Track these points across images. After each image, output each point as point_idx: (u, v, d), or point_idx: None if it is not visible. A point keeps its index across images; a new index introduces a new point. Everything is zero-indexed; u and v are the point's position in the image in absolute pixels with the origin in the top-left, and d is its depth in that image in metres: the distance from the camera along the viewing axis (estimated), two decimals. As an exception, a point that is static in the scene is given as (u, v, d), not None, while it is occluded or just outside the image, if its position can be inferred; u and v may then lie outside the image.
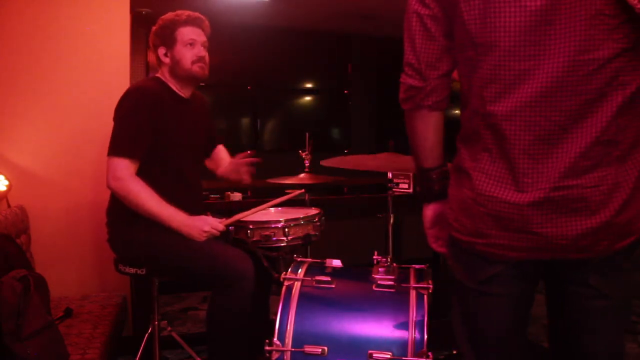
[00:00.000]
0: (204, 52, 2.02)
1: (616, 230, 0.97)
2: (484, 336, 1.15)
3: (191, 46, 1.99)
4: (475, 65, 1.02)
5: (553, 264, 1.07)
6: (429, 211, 1.26)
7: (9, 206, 2.44)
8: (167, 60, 2.02)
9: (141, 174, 1.91)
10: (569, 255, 1.01)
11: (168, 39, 2.00)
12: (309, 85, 5.62)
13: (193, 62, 1.99)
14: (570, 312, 1.11)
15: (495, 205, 1.01)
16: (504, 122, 0.99)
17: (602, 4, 0.90)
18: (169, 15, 2.02)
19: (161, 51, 2.02)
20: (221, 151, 2.34)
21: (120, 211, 1.96)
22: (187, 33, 1.99)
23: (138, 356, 2.12)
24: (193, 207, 1.96)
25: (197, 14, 2.03)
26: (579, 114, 0.95)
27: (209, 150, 2.31)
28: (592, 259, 1.02)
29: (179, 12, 2.02)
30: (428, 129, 1.18)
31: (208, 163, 2.33)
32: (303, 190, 2.26)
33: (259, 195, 2.60)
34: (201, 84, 2.11)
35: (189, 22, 2.00)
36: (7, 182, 2.44)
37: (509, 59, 0.97)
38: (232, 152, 2.35)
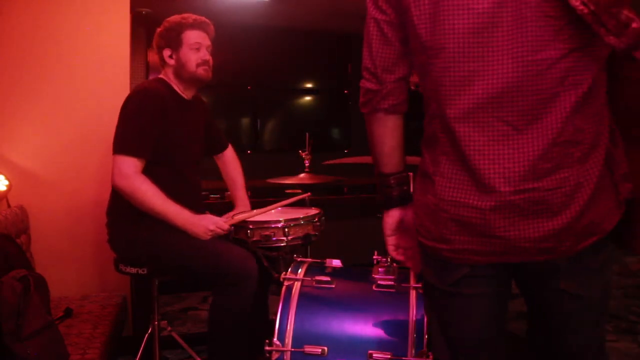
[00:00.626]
0: (208, 56, 2.05)
1: (578, 231, 0.97)
2: (459, 337, 1.14)
3: (197, 50, 2.02)
4: (427, 69, 1.03)
5: (521, 268, 1.06)
6: (389, 218, 1.25)
7: (9, 206, 2.44)
8: (172, 62, 2.03)
9: (144, 173, 1.91)
10: (532, 258, 1.00)
11: (174, 41, 2.01)
12: (309, 85, 5.61)
13: (198, 65, 2.02)
14: (544, 314, 1.11)
15: (458, 210, 1.01)
16: (457, 124, 1.00)
17: (547, 6, 0.91)
18: (176, 17, 2.04)
19: (166, 53, 2.03)
20: (229, 161, 2.36)
21: (122, 211, 1.97)
22: (193, 37, 2.01)
23: (138, 356, 2.12)
24: (193, 207, 1.96)
25: (203, 18, 2.06)
26: (532, 115, 0.95)
27: (214, 151, 2.33)
28: (559, 263, 1.01)
29: (185, 15, 2.04)
30: (385, 132, 1.18)
31: (217, 162, 2.37)
32: (308, 194, 2.27)
33: (259, 195, 2.60)
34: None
35: (196, 25, 2.03)
36: (7, 182, 2.44)
37: (457, 61, 0.98)
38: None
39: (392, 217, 1.25)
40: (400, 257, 1.26)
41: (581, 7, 0.86)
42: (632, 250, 1.09)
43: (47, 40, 2.55)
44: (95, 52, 2.61)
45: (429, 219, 1.07)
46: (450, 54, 0.98)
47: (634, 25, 0.84)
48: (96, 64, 2.61)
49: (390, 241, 1.27)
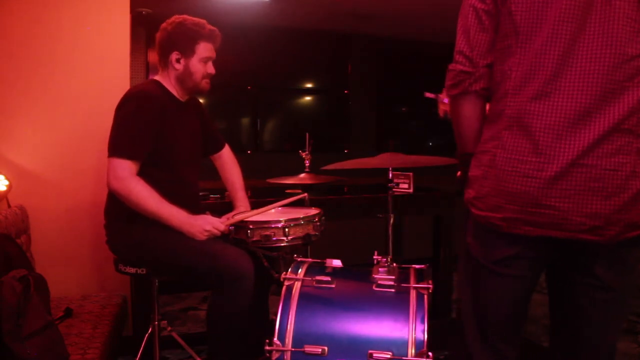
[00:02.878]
0: (213, 69, 2.07)
1: (628, 218, 1.03)
2: (489, 312, 1.21)
3: (205, 63, 2.04)
4: (514, 51, 1.12)
5: (563, 248, 1.11)
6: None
7: (9, 206, 2.44)
8: (179, 67, 2.03)
9: (139, 174, 1.91)
10: (581, 236, 1.05)
11: (187, 47, 2.01)
12: (309, 85, 5.62)
13: (203, 77, 2.04)
14: (574, 302, 1.16)
15: (517, 179, 1.07)
16: (532, 102, 1.08)
17: (630, 10, 1.02)
18: (191, 22, 2.01)
19: (175, 56, 2.02)
20: (226, 163, 2.36)
21: (119, 212, 1.97)
22: (207, 50, 2.03)
23: (138, 356, 2.12)
24: (190, 208, 1.96)
25: (216, 30, 2.06)
26: (603, 101, 1.03)
27: (210, 151, 2.33)
28: (600, 248, 1.06)
29: (200, 21, 2.03)
30: (475, 114, 1.25)
31: (215, 164, 2.37)
32: (305, 195, 2.27)
33: (259, 195, 2.60)
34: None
35: (211, 38, 2.05)
36: (7, 182, 2.44)
37: (547, 46, 1.07)
38: (233, 152, 2.36)
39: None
40: None
41: None
42: None
43: (47, 41, 2.55)
44: (95, 52, 2.61)
45: (486, 190, 1.14)
46: (541, 40, 1.07)
47: None
48: (96, 64, 2.61)
49: None
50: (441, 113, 1.79)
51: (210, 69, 2.06)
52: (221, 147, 2.35)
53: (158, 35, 2.04)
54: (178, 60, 2.02)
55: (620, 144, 1.03)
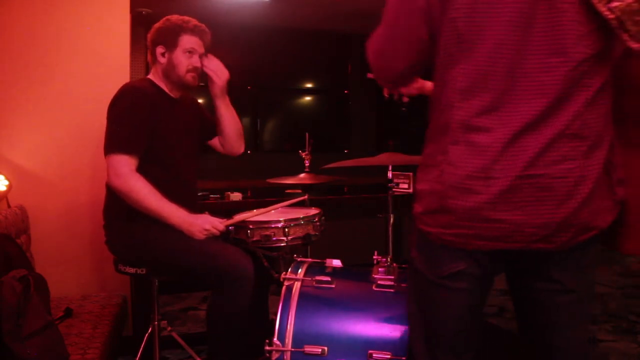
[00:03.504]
0: (199, 63, 2.06)
1: (579, 223, 1.02)
2: (437, 327, 1.18)
3: (190, 54, 2.03)
4: (458, 60, 1.07)
5: (516, 259, 1.10)
6: None
7: (9, 206, 2.44)
8: (163, 60, 2.04)
9: (138, 172, 1.91)
10: (533, 245, 1.04)
11: (170, 41, 2.02)
12: (309, 85, 5.62)
13: (187, 71, 2.03)
14: (537, 308, 1.15)
15: (464, 196, 1.05)
16: (477, 115, 1.04)
17: (575, 13, 0.98)
18: (177, 18, 2.04)
19: (159, 50, 2.04)
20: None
21: (118, 212, 1.97)
22: (189, 41, 2.02)
23: (138, 356, 2.12)
24: (188, 205, 1.96)
25: (203, 26, 2.07)
26: (548, 111, 1.00)
27: (212, 135, 2.30)
28: (554, 253, 1.06)
29: (186, 18, 2.05)
30: None
31: (219, 145, 2.31)
32: (306, 197, 2.27)
33: (259, 195, 2.60)
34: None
35: (195, 31, 2.04)
36: (7, 182, 2.44)
37: (489, 56, 1.03)
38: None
39: None
40: None
41: (607, 13, 0.94)
42: (619, 250, 1.14)
43: (47, 41, 2.55)
44: (95, 52, 2.61)
45: (434, 206, 1.10)
46: (485, 49, 1.03)
47: None
48: (96, 64, 2.61)
49: None
50: (386, 93, 1.75)
51: (196, 62, 2.04)
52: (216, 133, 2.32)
53: (149, 34, 2.07)
54: (163, 54, 2.04)
55: (566, 150, 1.00)
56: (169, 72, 2.04)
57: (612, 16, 0.94)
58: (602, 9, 0.95)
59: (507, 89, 1.02)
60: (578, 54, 0.99)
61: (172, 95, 2.08)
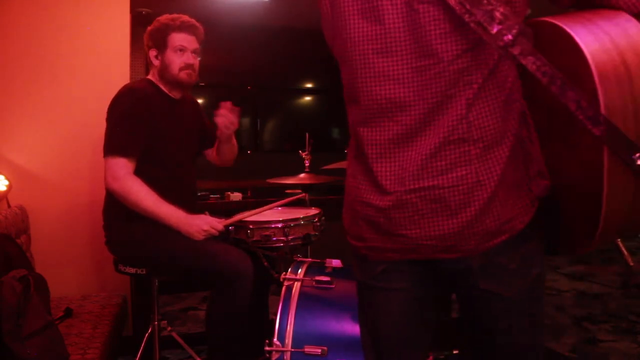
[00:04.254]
0: (192, 60, 2.04)
1: (482, 229, 0.96)
2: (381, 334, 1.15)
3: (181, 52, 2.02)
4: (341, 72, 1.06)
5: (439, 267, 1.05)
6: None
7: (9, 206, 2.44)
8: (157, 62, 2.05)
9: (136, 173, 1.91)
10: (440, 255, 1.00)
11: (160, 42, 2.02)
12: (309, 85, 5.62)
13: (181, 69, 2.02)
14: (472, 315, 1.11)
15: (365, 209, 1.03)
16: (360, 127, 1.03)
17: (434, 10, 0.92)
18: (165, 18, 2.04)
19: (152, 53, 2.05)
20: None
21: (117, 212, 1.97)
22: (178, 39, 2.01)
23: (138, 356, 2.12)
24: (187, 206, 1.96)
25: (192, 21, 2.05)
26: (428, 117, 0.96)
27: (208, 146, 2.32)
28: (472, 263, 1.00)
29: (174, 16, 2.04)
30: None
31: (212, 158, 2.35)
32: (305, 195, 2.27)
33: (259, 195, 2.60)
34: (193, 86, 2.13)
35: (183, 28, 2.03)
36: (7, 182, 2.44)
37: (357, 67, 1.00)
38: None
39: None
40: None
41: (458, 7, 0.88)
42: (563, 253, 1.08)
43: (47, 41, 2.55)
44: (95, 52, 2.61)
45: (348, 218, 1.10)
46: (351, 58, 1.00)
47: (509, 22, 0.85)
48: (96, 64, 2.61)
49: None
50: None
51: (188, 59, 2.03)
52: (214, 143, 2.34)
53: (144, 38, 2.08)
54: (156, 57, 2.05)
55: (454, 157, 0.94)
56: (163, 72, 2.04)
57: (462, 10, 0.88)
58: (451, 2, 0.88)
59: (379, 100, 0.98)
60: (446, 53, 0.92)
61: (172, 95, 2.08)
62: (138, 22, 2.65)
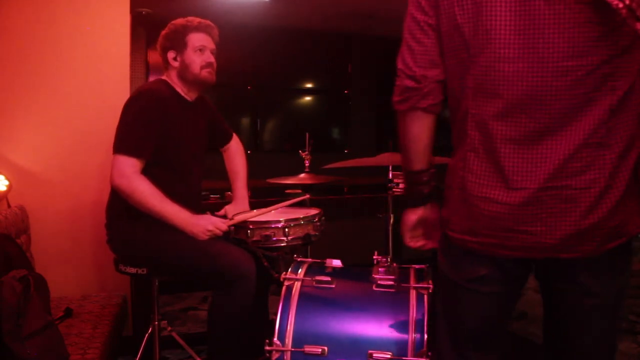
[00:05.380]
0: (212, 59, 2.06)
1: (605, 233, 0.99)
2: (464, 331, 1.17)
3: (201, 52, 2.03)
4: (468, 66, 1.05)
5: (543, 262, 1.08)
6: (413, 215, 1.27)
7: (9, 206, 2.44)
8: (176, 64, 2.04)
9: (143, 173, 1.91)
10: (557, 255, 1.02)
11: (179, 43, 2.02)
12: (309, 85, 5.62)
13: (202, 68, 2.03)
14: (560, 310, 1.13)
15: (487, 205, 1.03)
16: (493, 122, 1.02)
17: (590, 12, 0.92)
18: (181, 20, 2.05)
19: (171, 55, 2.04)
20: (232, 154, 2.37)
21: (120, 211, 1.97)
22: (198, 39, 2.03)
23: (138, 356, 2.12)
24: (192, 207, 1.96)
25: (208, 22, 2.07)
26: (567, 117, 0.97)
27: (219, 144, 2.35)
28: (582, 260, 1.03)
29: (190, 18, 2.06)
30: (422, 131, 1.19)
31: (223, 155, 2.39)
32: (307, 196, 2.27)
33: (259, 195, 2.60)
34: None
35: (200, 28, 2.04)
36: (7, 182, 2.44)
37: (499, 60, 1.00)
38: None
39: (416, 214, 1.27)
40: (418, 244, 1.32)
41: (616, 2, 0.87)
42: None
43: (47, 41, 2.55)
44: (95, 52, 2.61)
45: (459, 212, 1.10)
46: (493, 53, 1.00)
47: None
48: (96, 64, 2.61)
49: (409, 235, 1.31)
50: None
51: (209, 57, 2.04)
52: (228, 140, 2.36)
53: (157, 43, 2.08)
54: (175, 58, 2.04)
55: (590, 160, 0.96)
56: (184, 73, 2.04)
57: (620, 5, 0.88)
58: (618, 4, 0.88)
59: (517, 94, 0.98)
60: (596, 57, 0.94)
61: (187, 98, 2.09)
62: (138, 22, 2.66)
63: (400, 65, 1.16)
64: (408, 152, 1.22)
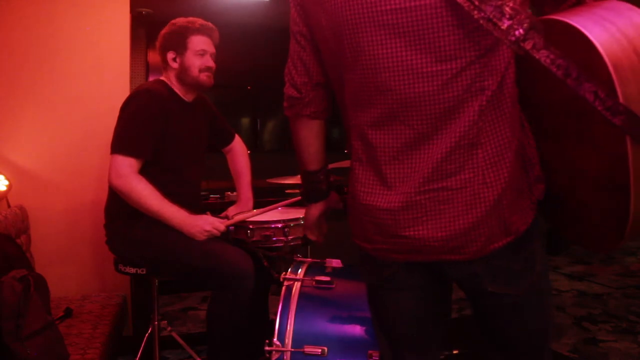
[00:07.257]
0: (211, 63, 2.05)
1: (487, 231, 0.97)
2: (394, 333, 1.18)
3: (201, 55, 2.02)
4: (344, 79, 1.06)
5: (446, 270, 1.06)
6: (315, 210, 1.38)
7: (9, 206, 2.44)
8: (175, 65, 2.04)
9: (141, 173, 1.91)
10: (446, 257, 1.01)
11: (179, 45, 2.02)
12: (309, 85, 5.62)
13: (201, 71, 2.02)
14: (487, 316, 1.13)
15: (372, 212, 1.04)
16: (370, 130, 1.03)
17: (449, 15, 0.91)
18: (182, 20, 2.04)
19: (170, 55, 2.03)
20: (235, 155, 2.37)
21: (119, 211, 1.97)
22: (198, 42, 2.02)
23: (138, 356, 2.12)
24: (191, 208, 1.96)
25: (209, 24, 2.07)
26: (440, 121, 0.97)
27: (221, 145, 2.36)
28: (477, 268, 1.01)
29: (192, 19, 2.04)
30: (310, 135, 1.27)
31: (226, 156, 2.40)
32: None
33: (259, 195, 2.60)
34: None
35: (202, 31, 2.03)
36: (7, 182, 2.44)
37: (369, 73, 1.00)
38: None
39: (317, 209, 1.38)
40: (320, 239, 1.43)
41: (466, 4, 0.87)
42: (593, 250, 1.12)
43: (47, 41, 2.55)
44: (95, 52, 2.61)
45: (355, 221, 1.11)
46: (363, 66, 1.00)
47: (520, 17, 0.84)
48: (96, 64, 2.61)
49: (315, 231, 1.42)
50: None
51: (208, 62, 2.04)
52: (231, 141, 2.36)
53: (157, 41, 2.07)
54: (174, 60, 2.04)
55: (463, 160, 0.96)
56: (182, 75, 2.03)
57: (472, 6, 0.86)
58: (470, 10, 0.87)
59: (390, 102, 0.99)
60: (460, 60, 0.93)
61: (185, 99, 2.08)
62: (138, 22, 2.66)
63: (285, 73, 1.21)
64: (302, 155, 1.30)
